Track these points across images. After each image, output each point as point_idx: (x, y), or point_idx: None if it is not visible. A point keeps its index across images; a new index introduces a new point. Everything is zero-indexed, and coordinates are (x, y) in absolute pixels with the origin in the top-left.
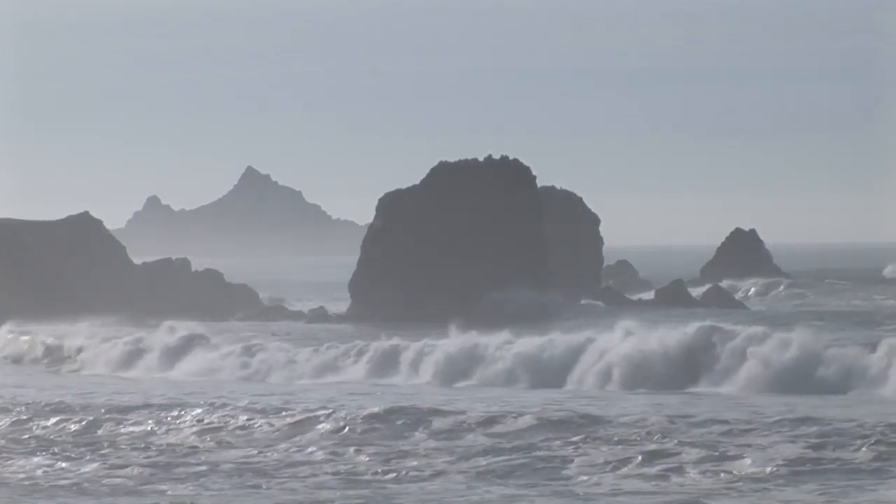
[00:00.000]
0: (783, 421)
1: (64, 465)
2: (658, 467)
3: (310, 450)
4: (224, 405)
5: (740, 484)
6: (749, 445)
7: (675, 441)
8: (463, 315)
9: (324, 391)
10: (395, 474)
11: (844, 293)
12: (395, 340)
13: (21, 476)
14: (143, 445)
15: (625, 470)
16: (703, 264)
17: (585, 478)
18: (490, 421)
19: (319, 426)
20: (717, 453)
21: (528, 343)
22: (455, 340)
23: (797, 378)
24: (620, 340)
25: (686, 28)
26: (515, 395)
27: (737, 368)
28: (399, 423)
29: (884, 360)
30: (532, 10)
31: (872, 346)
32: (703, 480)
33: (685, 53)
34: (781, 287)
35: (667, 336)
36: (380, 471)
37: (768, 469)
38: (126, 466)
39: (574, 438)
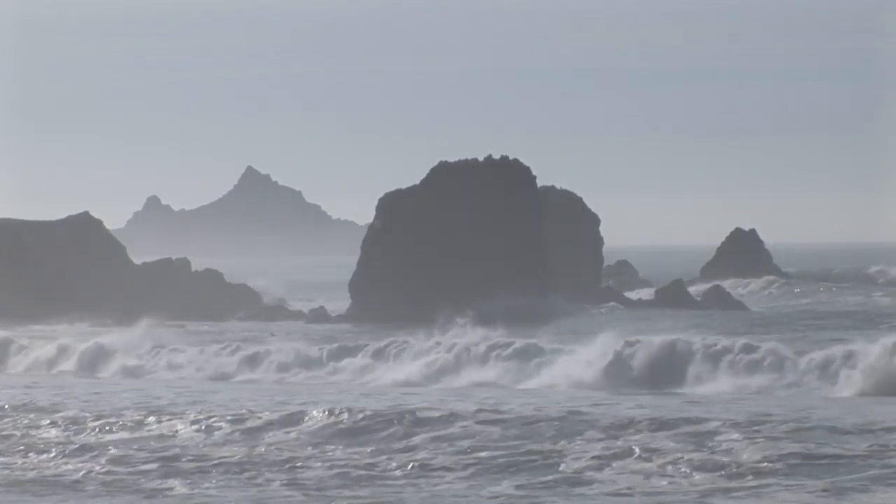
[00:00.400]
0: (772, 420)
1: (60, 462)
2: (656, 463)
3: (308, 448)
4: (215, 404)
5: (742, 481)
6: (739, 442)
7: (668, 437)
8: (461, 316)
9: (313, 390)
10: (393, 472)
11: (841, 292)
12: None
13: (17, 474)
14: (138, 444)
15: (621, 465)
16: (703, 264)
17: (587, 474)
18: (482, 419)
19: (317, 424)
20: (712, 450)
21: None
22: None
23: (762, 383)
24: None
25: (686, 28)
26: (502, 393)
27: (706, 376)
28: (394, 421)
29: (840, 364)
30: (532, 10)
31: (839, 349)
32: (703, 476)
33: (685, 53)
34: (772, 287)
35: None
36: (378, 469)
37: (766, 465)
38: (123, 464)
39: (569, 435)
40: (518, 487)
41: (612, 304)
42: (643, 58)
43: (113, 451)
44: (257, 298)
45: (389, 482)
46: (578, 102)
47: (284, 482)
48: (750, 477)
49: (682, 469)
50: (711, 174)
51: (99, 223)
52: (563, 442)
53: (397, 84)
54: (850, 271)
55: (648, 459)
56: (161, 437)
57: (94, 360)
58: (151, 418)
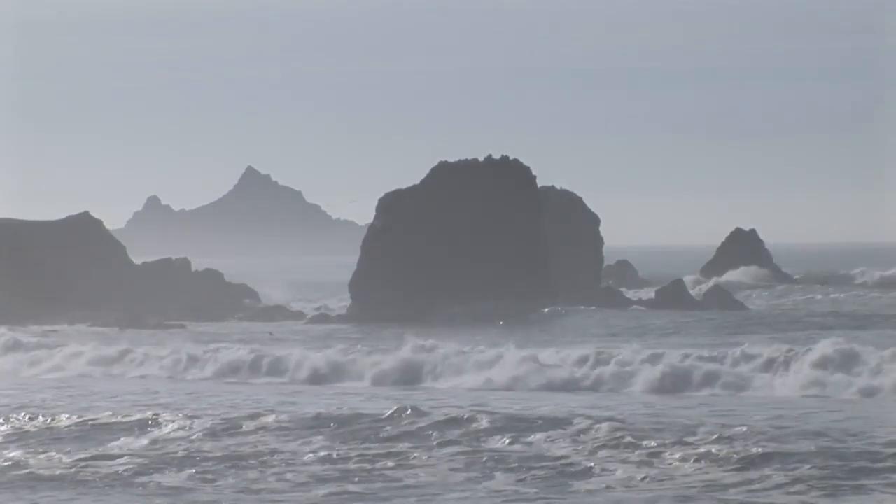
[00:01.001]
0: (755, 418)
1: (54, 457)
2: (650, 457)
3: (297, 443)
4: (196, 401)
5: (739, 477)
6: (729, 439)
7: (655, 433)
8: (461, 317)
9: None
10: (385, 465)
11: (840, 292)
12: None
13: (10, 467)
14: (127, 440)
15: (615, 459)
16: (703, 264)
17: (582, 468)
18: (461, 419)
19: (304, 420)
20: (705, 445)
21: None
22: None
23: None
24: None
25: (686, 28)
26: (470, 394)
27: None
28: (380, 417)
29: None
30: (532, 10)
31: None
32: (700, 471)
33: (685, 53)
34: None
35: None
36: (369, 463)
37: (759, 462)
38: (117, 458)
39: (553, 433)
40: (516, 482)
41: (634, 307)
42: (643, 58)
43: (103, 447)
44: (257, 298)
45: (384, 473)
46: (578, 102)
47: (277, 476)
48: (745, 473)
49: (678, 464)
50: (711, 174)
51: (99, 223)
52: (548, 437)
53: (397, 84)
54: (849, 271)
55: (642, 454)
56: (147, 433)
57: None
58: (138, 415)
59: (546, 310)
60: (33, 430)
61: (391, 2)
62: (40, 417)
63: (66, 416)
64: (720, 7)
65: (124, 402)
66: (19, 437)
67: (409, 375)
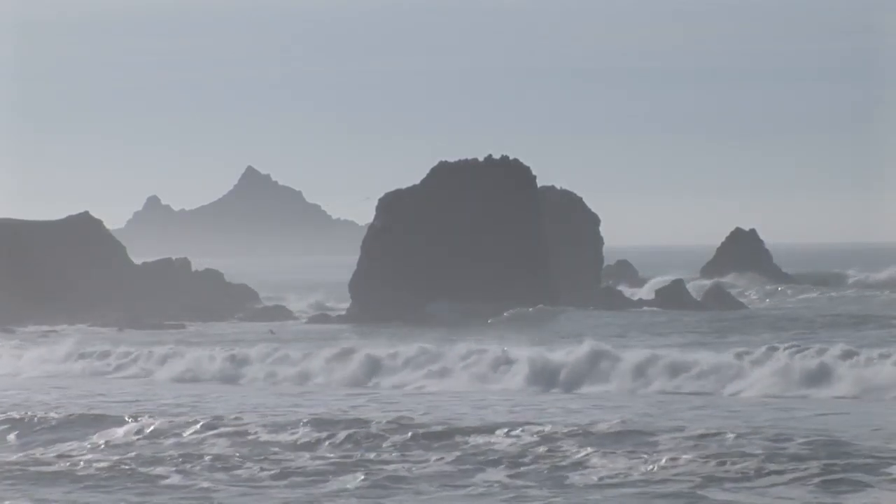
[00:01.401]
0: (751, 416)
1: (52, 452)
2: (644, 453)
3: (291, 438)
4: (191, 401)
5: (735, 473)
6: (722, 437)
7: (648, 429)
8: (461, 317)
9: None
10: (380, 459)
11: (841, 292)
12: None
13: (10, 463)
14: (119, 438)
15: (610, 454)
16: (703, 264)
17: (577, 463)
18: (454, 417)
19: (295, 418)
20: (699, 442)
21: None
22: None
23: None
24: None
25: (686, 28)
26: (462, 393)
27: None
28: (372, 421)
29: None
30: (532, 10)
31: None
32: (694, 467)
33: (685, 53)
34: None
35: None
36: (364, 457)
37: (756, 460)
38: (113, 454)
39: (546, 429)
40: (510, 476)
41: (634, 307)
42: (643, 58)
43: (99, 444)
44: (257, 298)
45: (379, 470)
46: (578, 102)
47: (273, 474)
48: (742, 471)
49: (673, 459)
50: (711, 174)
51: (99, 223)
52: (541, 432)
53: (397, 84)
54: (845, 271)
55: (638, 450)
56: (143, 430)
57: None
58: (131, 413)
59: (543, 308)
60: (31, 426)
61: (391, 2)
62: (36, 414)
63: (62, 412)
64: (720, 7)
65: (119, 400)
66: (18, 434)
67: (373, 375)
